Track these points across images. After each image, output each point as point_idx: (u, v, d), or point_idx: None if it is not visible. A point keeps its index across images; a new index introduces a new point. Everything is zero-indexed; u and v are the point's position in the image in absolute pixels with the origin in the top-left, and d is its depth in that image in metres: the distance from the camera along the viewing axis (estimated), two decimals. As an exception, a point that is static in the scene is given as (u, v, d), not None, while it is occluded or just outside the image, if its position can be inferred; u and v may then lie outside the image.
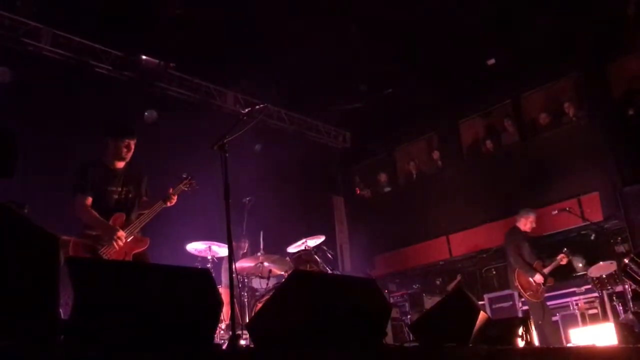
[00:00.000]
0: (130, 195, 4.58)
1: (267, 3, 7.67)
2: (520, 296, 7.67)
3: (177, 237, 6.43)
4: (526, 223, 7.46)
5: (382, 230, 10.19)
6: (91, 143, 6.80)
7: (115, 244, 4.23)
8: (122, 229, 4.36)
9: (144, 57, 8.32)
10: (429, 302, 8.27)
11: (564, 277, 8.34)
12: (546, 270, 7.19)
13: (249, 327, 2.88)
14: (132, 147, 4.55)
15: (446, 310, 3.68)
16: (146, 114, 8.19)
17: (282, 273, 6.50)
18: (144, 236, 4.58)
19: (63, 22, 7.59)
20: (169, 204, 4.63)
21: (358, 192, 12.08)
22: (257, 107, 4.25)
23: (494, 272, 10.06)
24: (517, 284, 7.22)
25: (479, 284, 9.77)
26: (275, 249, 6.89)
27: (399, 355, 2.88)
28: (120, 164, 4.59)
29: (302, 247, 6.51)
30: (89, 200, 4.37)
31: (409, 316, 7.96)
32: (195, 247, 6.17)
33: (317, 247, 6.71)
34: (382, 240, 10.29)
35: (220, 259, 6.46)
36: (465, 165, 10.61)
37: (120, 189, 4.52)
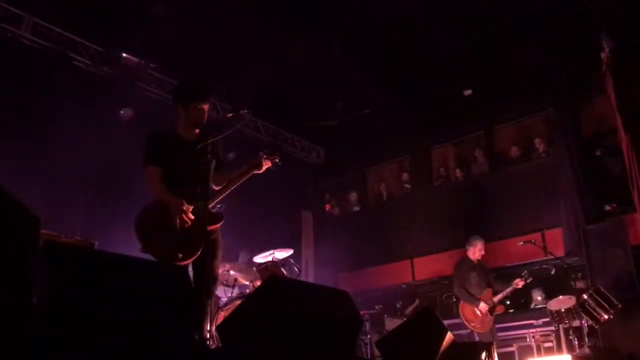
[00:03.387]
0: (203, 168, 4.06)
1: (253, 13, 7.70)
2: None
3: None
4: (474, 251, 7.63)
5: (349, 248, 10.21)
6: (61, 134, 6.79)
7: (179, 219, 3.87)
8: (193, 202, 3.97)
9: (124, 54, 8.25)
10: (390, 323, 8.29)
11: (522, 309, 8.48)
12: (496, 298, 7.33)
13: (219, 329, 2.84)
14: (206, 110, 4.18)
15: (414, 329, 3.70)
16: (121, 112, 8.08)
17: (248, 283, 6.45)
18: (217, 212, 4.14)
19: (45, 11, 7.47)
20: (257, 171, 4.37)
21: (328, 208, 12.10)
22: (242, 111, 4.22)
23: (454, 299, 10.16)
24: (461, 316, 7.37)
25: (438, 309, 9.83)
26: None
27: (367, 369, 2.87)
28: (194, 132, 4.22)
29: (270, 258, 6.47)
30: (158, 171, 4.03)
31: (369, 336, 7.94)
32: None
33: (285, 260, 6.69)
34: (347, 258, 10.30)
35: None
36: (435, 192, 10.75)
37: (195, 160, 4.06)
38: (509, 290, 7.36)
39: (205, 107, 4.19)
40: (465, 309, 7.38)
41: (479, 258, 7.65)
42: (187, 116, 4.16)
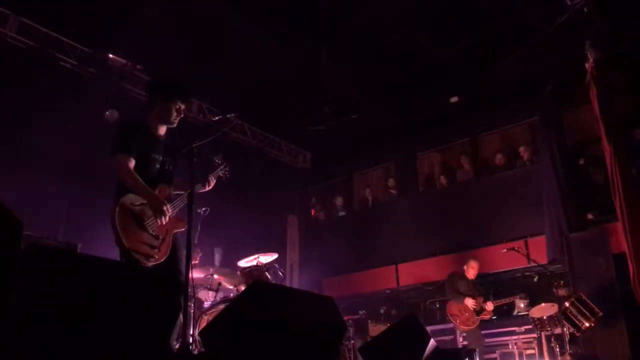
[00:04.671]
0: (170, 168, 4.02)
1: (241, 17, 7.69)
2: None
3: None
4: (468, 269, 8.05)
5: (334, 253, 10.21)
6: (45, 135, 6.74)
7: (159, 219, 3.73)
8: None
9: (110, 55, 8.20)
10: (374, 329, 8.29)
11: (505, 316, 8.54)
12: (489, 305, 7.67)
13: (202, 334, 2.83)
14: (182, 111, 4.03)
15: (397, 335, 3.70)
16: (107, 113, 8.02)
17: (232, 287, 6.42)
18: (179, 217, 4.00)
19: (31, 10, 7.40)
20: (206, 188, 4.26)
21: (313, 213, 12.10)
22: (228, 115, 4.19)
23: (438, 305, 10.20)
24: (448, 314, 7.88)
25: (422, 315, 9.86)
26: (226, 262, 6.82)
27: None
28: (164, 130, 4.05)
29: (254, 263, 6.44)
30: (132, 163, 3.79)
31: (352, 341, 7.93)
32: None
33: (269, 264, 6.66)
34: (332, 263, 10.30)
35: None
36: (420, 197, 10.81)
37: (162, 159, 3.94)
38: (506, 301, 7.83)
39: (183, 107, 4.06)
40: (451, 304, 7.88)
41: (473, 278, 8.03)
42: (162, 112, 3.99)
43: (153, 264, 3.69)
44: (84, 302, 2.11)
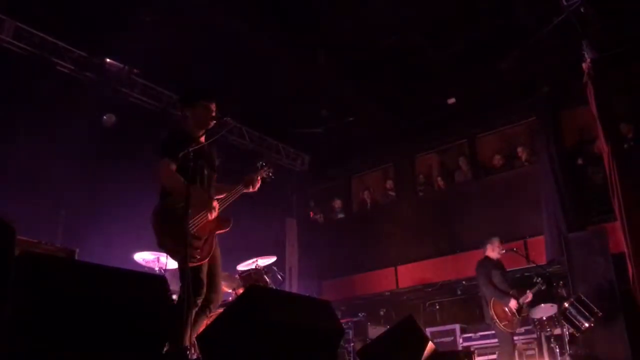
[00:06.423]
0: (207, 171, 4.11)
1: (238, 21, 7.69)
2: (463, 330, 7.81)
3: (124, 246, 6.28)
4: (493, 249, 7.26)
5: (332, 256, 10.21)
6: (42, 140, 6.73)
7: (209, 213, 3.85)
8: None
9: (107, 59, 8.19)
10: (374, 331, 8.28)
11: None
12: (522, 300, 6.94)
13: (199, 338, 2.82)
14: (213, 110, 4.17)
15: (395, 338, 3.69)
16: (104, 117, 8.01)
17: (230, 291, 6.40)
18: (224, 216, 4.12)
19: (27, 14, 7.39)
20: (250, 190, 4.29)
21: (312, 215, 12.09)
22: (224, 119, 4.18)
23: (438, 307, 10.19)
24: (492, 313, 6.90)
25: (422, 317, 9.86)
26: (225, 265, 6.79)
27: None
28: (202, 133, 4.14)
29: (253, 266, 6.43)
30: (174, 167, 3.90)
31: (352, 344, 7.93)
32: (143, 257, 6.02)
33: (268, 267, 6.65)
34: (331, 266, 10.29)
35: (168, 270, 6.29)
36: (418, 199, 10.81)
37: (201, 163, 4.03)
38: (535, 290, 6.98)
39: (212, 106, 4.17)
40: (496, 306, 6.92)
41: (499, 257, 7.28)
42: (195, 117, 4.14)
43: (196, 264, 3.76)
44: (80, 310, 2.09)
